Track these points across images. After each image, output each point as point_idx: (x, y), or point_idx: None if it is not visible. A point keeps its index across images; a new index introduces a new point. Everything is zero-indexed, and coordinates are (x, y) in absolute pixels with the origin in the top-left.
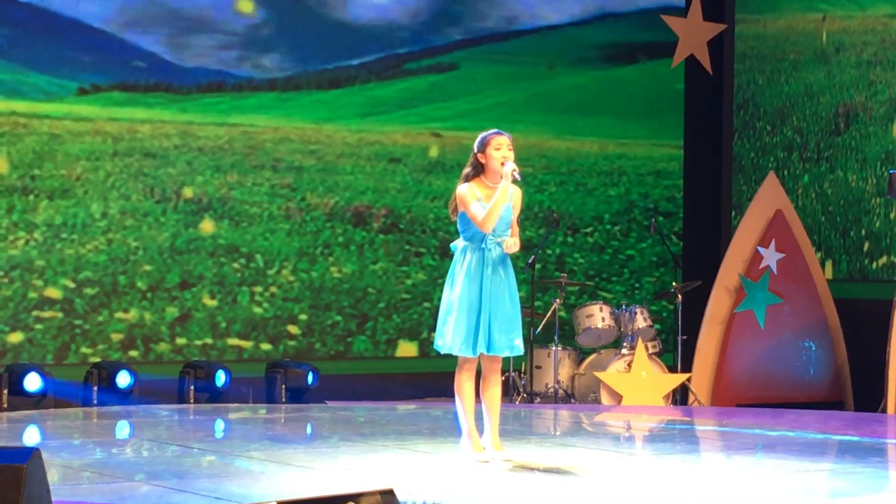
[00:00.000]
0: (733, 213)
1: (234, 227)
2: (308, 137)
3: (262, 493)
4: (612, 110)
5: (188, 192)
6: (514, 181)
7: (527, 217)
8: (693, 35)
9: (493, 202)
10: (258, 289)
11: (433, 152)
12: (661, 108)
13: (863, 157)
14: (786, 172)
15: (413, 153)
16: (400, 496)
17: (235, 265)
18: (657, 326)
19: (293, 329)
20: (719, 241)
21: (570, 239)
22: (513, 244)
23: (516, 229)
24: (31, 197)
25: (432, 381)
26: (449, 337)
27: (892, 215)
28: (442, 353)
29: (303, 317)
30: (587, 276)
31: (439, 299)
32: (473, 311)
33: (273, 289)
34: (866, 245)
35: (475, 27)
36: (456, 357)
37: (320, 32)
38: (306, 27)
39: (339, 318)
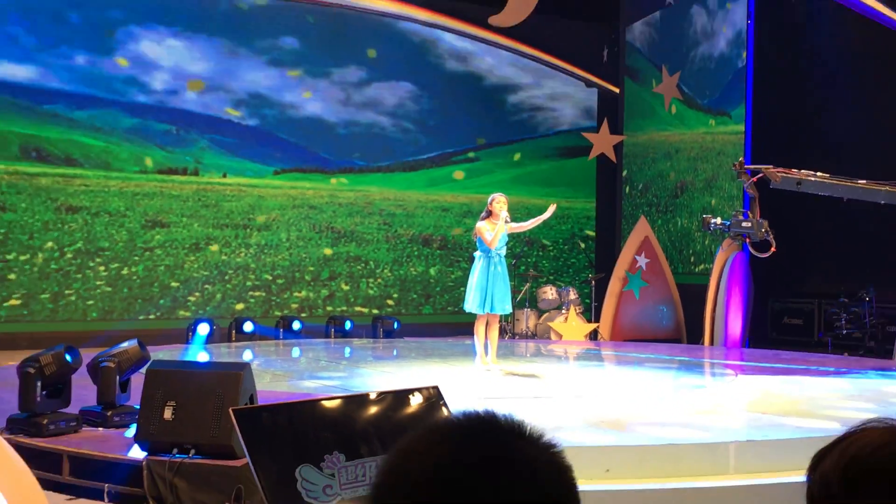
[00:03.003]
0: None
1: (358, 246)
2: (398, 198)
3: (367, 386)
4: (561, 183)
5: (334, 227)
6: (506, 221)
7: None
8: (603, 142)
9: (495, 232)
10: (371, 280)
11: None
12: (585, 182)
13: (690, 210)
14: (648, 219)
15: (455, 207)
16: (443, 391)
17: (359, 267)
18: (585, 300)
19: (389, 302)
20: (615, 253)
21: (540, 253)
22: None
23: (514, 226)
24: (248, 230)
25: (467, 327)
26: (471, 302)
27: (706, 242)
28: (467, 311)
29: (395, 295)
30: (548, 272)
31: None
32: (484, 289)
33: (379, 280)
34: (692, 258)
35: (493, 135)
36: (475, 314)
37: (399, 142)
38: (391, 138)
39: (415, 296)
